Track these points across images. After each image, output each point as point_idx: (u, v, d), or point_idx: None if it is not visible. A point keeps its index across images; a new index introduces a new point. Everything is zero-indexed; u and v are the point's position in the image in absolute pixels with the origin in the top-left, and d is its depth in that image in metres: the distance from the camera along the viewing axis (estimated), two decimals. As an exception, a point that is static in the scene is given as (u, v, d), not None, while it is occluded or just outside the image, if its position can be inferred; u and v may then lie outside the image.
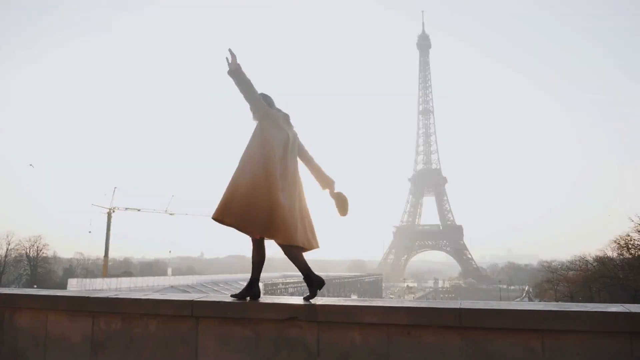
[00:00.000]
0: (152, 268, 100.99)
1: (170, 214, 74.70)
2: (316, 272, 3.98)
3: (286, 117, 4.29)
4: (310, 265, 4.00)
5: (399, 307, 3.44)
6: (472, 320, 3.28)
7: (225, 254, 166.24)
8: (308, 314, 3.58)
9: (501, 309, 3.30)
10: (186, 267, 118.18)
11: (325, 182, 4.24)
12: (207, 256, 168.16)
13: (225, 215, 3.86)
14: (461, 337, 3.31)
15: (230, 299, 3.93)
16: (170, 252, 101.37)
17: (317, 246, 4.04)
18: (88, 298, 4.22)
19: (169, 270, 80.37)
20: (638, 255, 44.10)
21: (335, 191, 4.20)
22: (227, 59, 4.01)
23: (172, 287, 62.21)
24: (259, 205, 3.82)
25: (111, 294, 4.34)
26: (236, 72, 4.01)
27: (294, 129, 4.29)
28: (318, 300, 3.74)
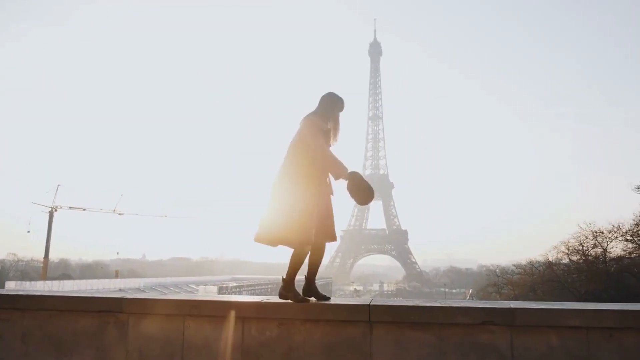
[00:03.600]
0: (93, 270, 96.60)
1: (120, 214, 71.72)
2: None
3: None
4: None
5: (603, 310, 3.41)
6: (683, 323, 3.29)
7: (168, 256, 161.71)
8: (504, 317, 3.48)
9: None
10: (128, 269, 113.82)
11: None
12: (150, 258, 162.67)
13: None
14: (669, 340, 3.31)
15: (410, 302, 3.76)
16: (118, 253, 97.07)
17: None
18: (238, 303, 3.92)
19: (117, 273, 76.90)
20: (579, 260, 46.62)
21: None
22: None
23: (120, 290, 59.61)
24: None
25: (263, 298, 4.05)
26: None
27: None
28: (510, 304, 3.64)
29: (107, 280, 67.66)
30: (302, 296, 4.01)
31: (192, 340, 3.93)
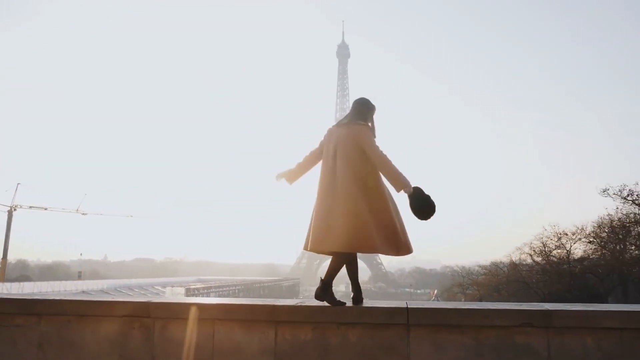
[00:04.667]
0: (54, 272, 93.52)
1: (83, 214, 69.60)
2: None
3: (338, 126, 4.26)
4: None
5: (637, 311, 3.51)
6: None
7: (131, 257, 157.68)
8: (542, 319, 3.54)
9: None
10: (90, 270, 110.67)
11: None
12: (112, 259, 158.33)
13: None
14: (699, 340, 3.44)
15: (448, 305, 3.78)
16: (81, 254, 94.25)
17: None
18: (271, 306, 3.85)
19: (80, 274, 74.63)
20: (542, 261, 48.02)
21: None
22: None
23: (83, 292, 57.94)
24: None
25: (297, 302, 4.00)
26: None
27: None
28: (545, 306, 3.70)
29: (69, 282, 65.63)
30: (338, 300, 3.97)
31: (222, 346, 3.84)
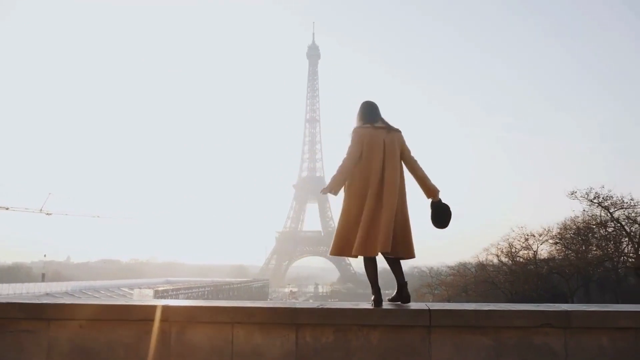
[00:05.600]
0: (15, 273, 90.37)
1: (47, 214, 67.38)
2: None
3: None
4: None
5: (651, 312, 3.64)
6: None
7: (95, 258, 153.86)
8: (560, 320, 3.63)
9: None
10: (52, 272, 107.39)
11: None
12: (75, 260, 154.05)
13: None
14: None
15: (469, 306, 3.83)
16: (45, 255, 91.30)
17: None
18: (292, 309, 3.83)
19: (44, 276, 72.28)
20: (509, 261, 49.15)
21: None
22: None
23: (47, 294, 56.25)
24: None
25: (317, 304, 3.98)
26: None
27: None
28: (562, 307, 3.80)
29: (32, 284, 63.59)
30: (376, 298, 4.10)
31: (241, 349, 3.80)
